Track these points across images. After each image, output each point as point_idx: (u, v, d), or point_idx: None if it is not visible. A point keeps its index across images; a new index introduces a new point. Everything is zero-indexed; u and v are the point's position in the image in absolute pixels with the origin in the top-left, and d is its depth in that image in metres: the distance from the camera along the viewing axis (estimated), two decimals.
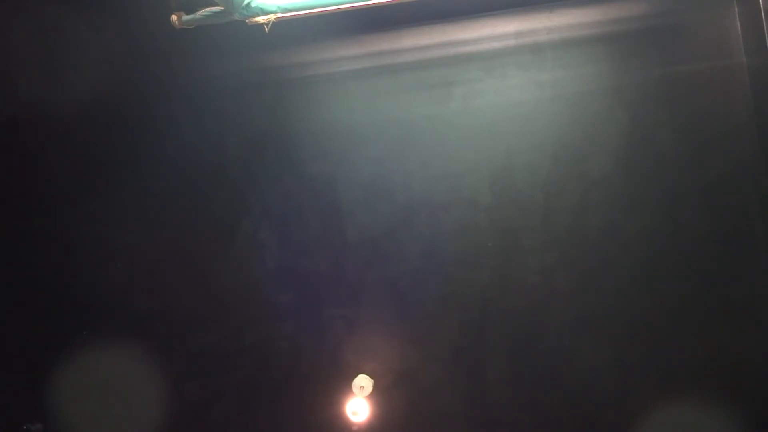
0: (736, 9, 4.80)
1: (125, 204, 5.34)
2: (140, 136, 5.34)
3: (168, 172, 5.32)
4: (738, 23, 4.80)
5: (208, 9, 4.67)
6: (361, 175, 5.18)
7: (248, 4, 4.44)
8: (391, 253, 5.17)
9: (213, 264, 5.31)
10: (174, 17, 4.80)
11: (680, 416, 4.73)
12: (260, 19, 4.53)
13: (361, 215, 5.19)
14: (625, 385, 4.92)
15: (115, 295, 5.36)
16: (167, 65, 5.29)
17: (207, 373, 5.34)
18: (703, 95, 4.84)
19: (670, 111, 4.87)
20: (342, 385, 5.20)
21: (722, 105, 4.81)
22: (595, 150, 4.95)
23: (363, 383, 5.11)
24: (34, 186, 5.38)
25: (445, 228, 5.10)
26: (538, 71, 5.02)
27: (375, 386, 5.17)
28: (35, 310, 5.39)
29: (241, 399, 5.33)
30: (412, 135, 5.14)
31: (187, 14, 4.79)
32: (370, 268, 5.19)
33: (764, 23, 4.46)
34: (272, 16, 4.51)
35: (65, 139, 5.34)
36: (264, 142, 5.27)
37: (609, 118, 4.93)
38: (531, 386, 5.04)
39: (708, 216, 4.83)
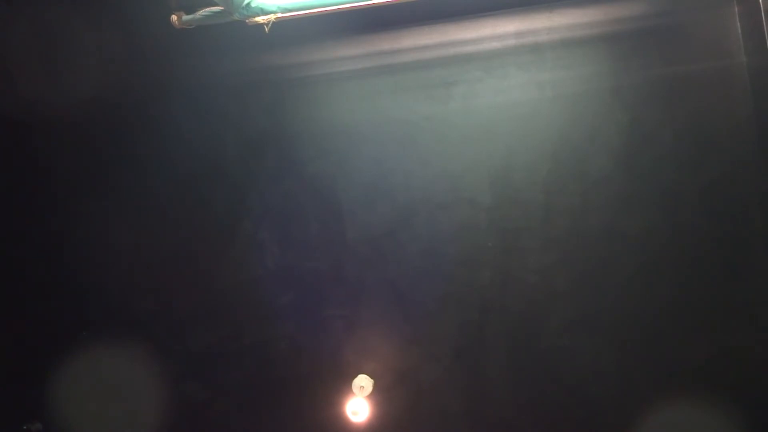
0: (736, 9, 4.80)
1: (125, 204, 5.34)
2: (140, 136, 5.34)
3: (168, 172, 5.32)
4: (738, 23, 4.80)
5: (208, 9, 4.67)
6: (361, 175, 5.18)
7: (248, 4, 4.44)
8: (391, 253, 5.17)
9: (213, 264, 5.31)
10: (174, 17, 4.80)
11: (680, 416, 4.73)
12: (260, 19, 4.53)
13: (362, 215, 5.19)
14: (625, 385, 4.92)
15: (115, 295, 5.36)
16: (167, 65, 5.30)
17: (207, 373, 5.34)
18: (703, 95, 4.84)
19: (670, 111, 4.87)
20: (342, 385, 5.20)
21: (722, 105, 4.81)
22: (595, 150, 4.95)
23: (363, 383, 5.11)
24: (34, 186, 5.38)
25: (445, 228, 5.10)
26: (538, 71, 5.02)
27: (375, 386, 5.17)
28: (35, 309, 5.39)
29: (241, 399, 5.33)
30: (412, 135, 5.14)
31: (187, 14, 4.79)
32: (370, 268, 5.19)
33: (764, 23, 4.46)
34: (272, 16, 4.51)
35: (65, 139, 5.34)
36: (264, 142, 5.27)
37: (609, 118, 4.93)
38: (531, 386, 5.04)
39: (708, 216, 4.83)
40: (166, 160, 5.32)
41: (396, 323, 5.17)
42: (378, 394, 5.19)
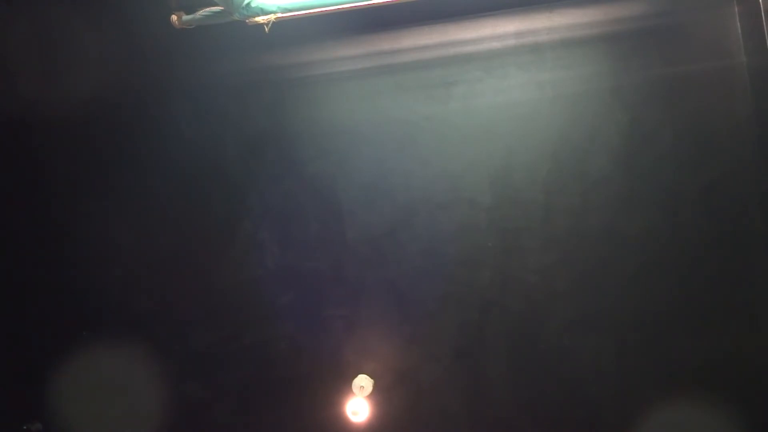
0: (736, 9, 4.80)
1: (125, 204, 5.34)
2: (140, 136, 5.34)
3: (168, 172, 5.32)
4: (738, 23, 4.80)
5: (208, 9, 4.67)
6: (361, 175, 5.18)
7: (248, 4, 4.44)
8: (391, 253, 5.17)
9: (213, 264, 5.31)
10: (174, 17, 4.80)
11: (680, 416, 4.73)
12: (260, 19, 4.52)
13: (361, 215, 5.19)
14: (625, 385, 4.92)
15: (115, 295, 5.36)
16: (167, 65, 5.29)
17: (207, 373, 5.34)
18: (703, 95, 4.84)
19: (670, 111, 4.87)
20: (342, 385, 5.20)
21: (722, 105, 4.81)
22: (595, 150, 4.95)
23: (363, 383, 5.12)
24: (34, 186, 5.38)
25: (445, 228, 5.10)
26: (538, 71, 5.02)
27: (375, 386, 5.17)
28: (35, 310, 5.39)
29: (241, 399, 5.33)
30: (412, 135, 5.14)
31: (187, 14, 4.79)
32: (370, 268, 5.19)
33: (764, 23, 4.46)
34: (272, 16, 4.51)
35: (65, 139, 5.34)
36: (264, 142, 5.27)
37: (609, 118, 4.93)
38: (531, 386, 5.04)
39: (708, 216, 4.83)
40: (166, 160, 5.32)
41: (396, 323, 5.17)
42: (378, 394, 5.19)
